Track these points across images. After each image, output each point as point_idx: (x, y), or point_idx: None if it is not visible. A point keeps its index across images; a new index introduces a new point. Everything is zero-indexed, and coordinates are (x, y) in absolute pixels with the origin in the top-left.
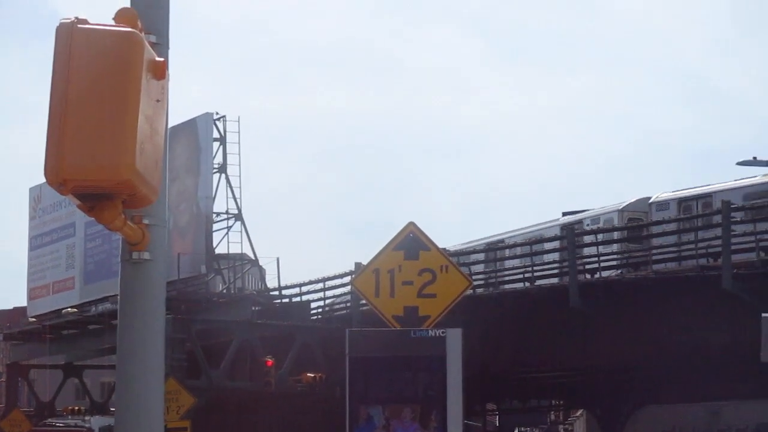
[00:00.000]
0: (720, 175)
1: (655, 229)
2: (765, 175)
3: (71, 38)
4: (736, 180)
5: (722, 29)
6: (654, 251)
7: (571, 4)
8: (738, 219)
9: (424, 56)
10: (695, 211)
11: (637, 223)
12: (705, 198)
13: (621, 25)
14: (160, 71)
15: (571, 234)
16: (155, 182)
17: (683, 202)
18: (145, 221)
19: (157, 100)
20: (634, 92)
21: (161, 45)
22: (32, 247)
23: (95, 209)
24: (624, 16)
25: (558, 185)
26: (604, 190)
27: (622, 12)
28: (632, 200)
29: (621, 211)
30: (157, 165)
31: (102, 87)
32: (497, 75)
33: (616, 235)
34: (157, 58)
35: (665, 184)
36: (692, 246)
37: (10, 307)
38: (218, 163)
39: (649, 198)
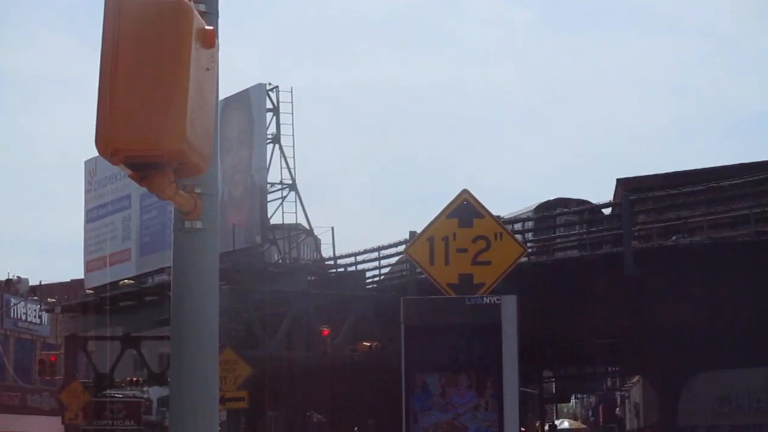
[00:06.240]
0: None
1: None
2: None
3: (120, 9)
4: None
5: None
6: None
7: None
8: None
9: (477, 26)
10: None
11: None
12: None
13: None
14: (209, 40)
15: (627, 200)
16: (206, 151)
17: None
18: (197, 190)
19: (207, 69)
20: (688, 59)
21: (210, 14)
22: (88, 220)
23: (146, 178)
24: None
25: (614, 154)
26: (659, 159)
27: None
28: None
29: None
30: (208, 134)
31: (151, 57)
32: (551, 43)
33: None
34: (207, 27)
35: (719, 153)
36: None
37: (67, 279)
38: (272, 134)
39: None
